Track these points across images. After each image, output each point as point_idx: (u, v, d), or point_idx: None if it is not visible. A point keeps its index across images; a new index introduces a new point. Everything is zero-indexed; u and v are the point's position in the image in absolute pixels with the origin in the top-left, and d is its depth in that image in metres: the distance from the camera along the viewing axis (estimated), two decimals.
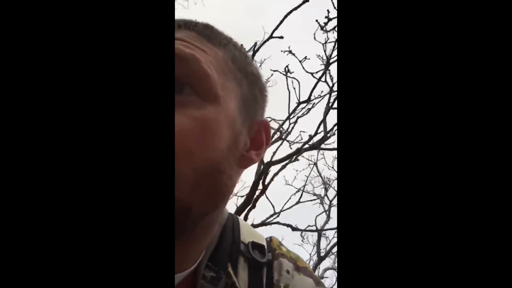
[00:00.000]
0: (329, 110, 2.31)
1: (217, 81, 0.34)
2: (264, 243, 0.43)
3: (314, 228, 3.24)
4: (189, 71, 0.33)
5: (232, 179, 0.36)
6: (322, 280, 0.44)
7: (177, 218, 0.30)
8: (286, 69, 2.31)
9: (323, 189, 3.60)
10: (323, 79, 2.34)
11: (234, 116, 0.36)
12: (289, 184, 3.13)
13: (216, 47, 0.37)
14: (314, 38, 2.32)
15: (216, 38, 0.38)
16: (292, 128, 2.44)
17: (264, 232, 0.47)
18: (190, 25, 0.37)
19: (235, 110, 0.36)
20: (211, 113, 0.33)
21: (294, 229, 2.58)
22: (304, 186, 3.14)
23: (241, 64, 0.39)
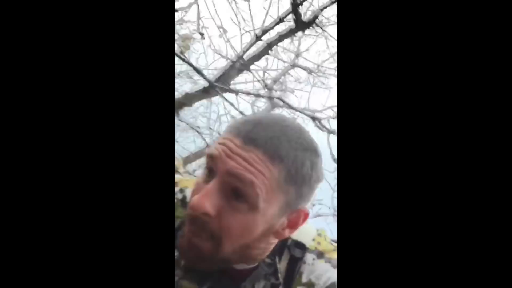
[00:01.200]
0: None
1: (263, 198, 0.47)
2: (305, 242, 0.57)
3: None
4: (246, 190, 0.46)
5: (263, 248, 0.52)
6: None
7: (222, 265, 0.51)
8: None
9: None
10: None
11: (272, 218, 0.49)
12: None
13: (274, 166, 0.47)
14: None
15: (278, 154, 0.47)
16: None
17: None
18: (260, 140, 0.47)
19: (275, 213, 0.49)
20: (251, 220, 0.48)
21: None
22: None
23: (292, 176, 0.48)
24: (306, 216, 0.53)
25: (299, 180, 0.49)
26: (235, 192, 0.47)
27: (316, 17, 2.15)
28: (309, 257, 0.56)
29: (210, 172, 0.49)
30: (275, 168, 0.47)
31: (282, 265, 0.56)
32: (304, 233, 0.58)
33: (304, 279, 0.56)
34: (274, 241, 0.54)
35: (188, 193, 0.59)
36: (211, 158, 0.48)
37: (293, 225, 0.52)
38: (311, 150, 0.50)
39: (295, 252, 0.57)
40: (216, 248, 0.48)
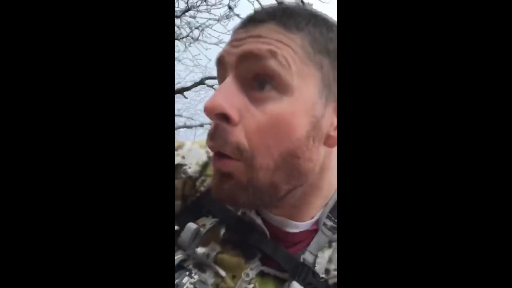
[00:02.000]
0: None
1: (293, 72, 0.36)
2: None
3: None
4: (267, 68, 0.35)
5: (312, 161, 0.39)
6: None
7: (270, 192, 0.38)
8: None
9: None
10: None
11: (313, 102, 0.38)
12: None
13: (293, 34, 0.37)
14: None
15: (293, 23, 0.38)
16: None
17: None
18: (269, 15, 0.38)
19: (314, 95, 0.38)
20: (287, 106, 0.36)
21: None
22: None
23: (321, 45, 0.39)
24: None
25: (330, 51, 0.39)
26: (256, 78, 0.36)
27: None
28: None
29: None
30: (295, 35, 0.37)
31: None
32: None
33: None
34: (330, 150, 0.41)
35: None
36: (219, 63, 0.38)
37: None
38: (322, 17, 0.41)
39: None
40: (250, 165, 0.36)
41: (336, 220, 0.44)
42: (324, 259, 0.42)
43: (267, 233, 0.44)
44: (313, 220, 0.44)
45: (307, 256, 0.43)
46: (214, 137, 0.36)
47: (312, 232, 0.44)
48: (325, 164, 0.41)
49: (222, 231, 0.45)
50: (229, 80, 0.36)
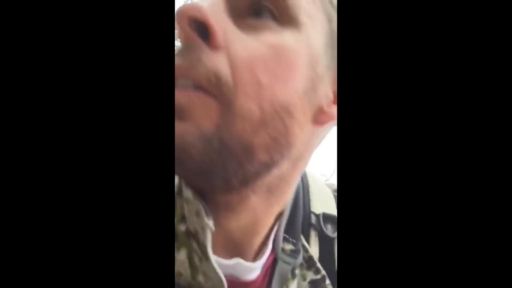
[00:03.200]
0: None
1: (301, 4, 0.28)
2: (335, 212, 0.38)
3: None
4: None
5: (303, 131, 0.29)
6: None
7: (239, 161, 0.26)
8: None
9: None
10: None
11: (317, 53, 0.29)
12: None
13: None
14: None
15: None
16: None
17: None
18: None
19: (320, 46, 0.30)
20: (289, 41, 0.27)
21: None
22: None
23: None
24: None
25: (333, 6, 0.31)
26: (252, 5, 0.27)
27: None
28: None
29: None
30: None
31: (312, 252, 0.36)
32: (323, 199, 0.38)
33: None
34: (315, 129, 0.31)
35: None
36: None
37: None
38: None
39: (326, 230, 0.36)
40: (226, 106, 0.25)
41: (294, 241, 0.35)
42: None
43: None
44: (268, 252, 0.34)
45: None
46: (184, 54, 0.26)
47: (270, 264, 0.34)
48: (304, 150, 0.32)
49: None
50: (218, 1, 0.27)
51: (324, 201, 0.39)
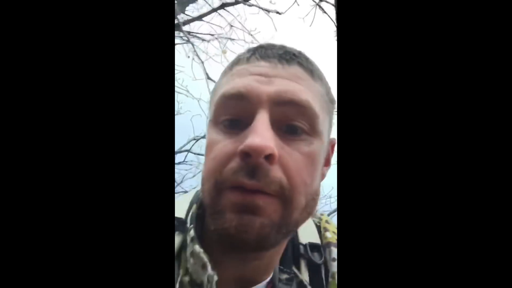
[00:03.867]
0: None
1: (320, 121, 0.38)
2: (319, 241, 0.46)
3: None
4: (304, 116, 0.37)
5: (316, 201, 0.40)
6: None
7: (287, 232, 0.37)
8: None
9: None
10: None
11: (325, 145, 0.41)
12: None
13: (317, 82, 0.40)
14: None
15: (315, 71, 0.40)
16: None
17: None
18: (292, 57, 0.39)
19: (327, 139, 0.41)
20: (316, 148, 0.38)
21: None
22: None
23: (330, 93, 0.42)
24: (333, 146, 0.44)
25: (332, 100, 0.42)
26: (288, 123, 0.37)
27: None
28: (333, 251, 0.44)
29: (234, 124, 0.37)
30: (317, 84, 0.40)
31: (303, 279, 0.43)
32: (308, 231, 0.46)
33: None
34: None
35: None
36: (237, 98, 0.36)
37: (328, 161, 0.43)
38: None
39: (314, 257, 0.44)
40: (288, 203, 0.35)
41: (288, 270, 0.42)
42: None
43: None
44: (269, 278, 0.41)
45: None
46: (256, 176, 0.34)
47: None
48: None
49: None
50: (265, 118, 0.35)
51: (309, 232, 0.47)
